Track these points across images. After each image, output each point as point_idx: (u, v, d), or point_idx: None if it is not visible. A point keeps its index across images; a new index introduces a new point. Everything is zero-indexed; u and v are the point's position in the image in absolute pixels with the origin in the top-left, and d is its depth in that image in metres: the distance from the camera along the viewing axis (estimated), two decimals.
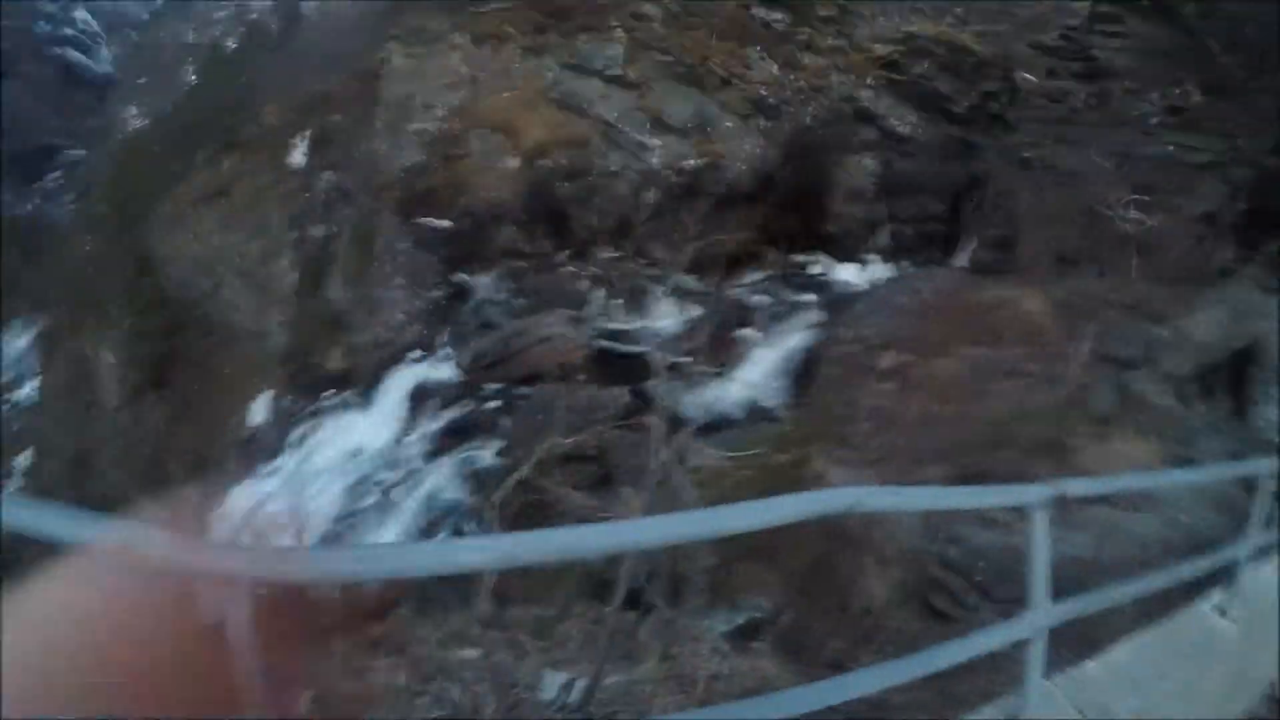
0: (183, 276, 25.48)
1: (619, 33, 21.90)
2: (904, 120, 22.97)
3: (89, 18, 75.38)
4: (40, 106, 69.32)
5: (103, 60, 71.59)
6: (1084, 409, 11.86)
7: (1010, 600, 7.59)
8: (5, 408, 50.58)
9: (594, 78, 21.50)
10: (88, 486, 26.93)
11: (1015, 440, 10.95)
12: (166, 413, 23.01)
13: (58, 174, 62.54)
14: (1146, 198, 18.14)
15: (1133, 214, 17.65)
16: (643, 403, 15.23)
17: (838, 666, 7.61)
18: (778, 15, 23.48)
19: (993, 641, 3.31)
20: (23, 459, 41.92)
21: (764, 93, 22.01)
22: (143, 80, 55.56)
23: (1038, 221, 19.78)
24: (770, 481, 11.28)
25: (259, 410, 19.33)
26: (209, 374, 22.73)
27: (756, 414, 15.99)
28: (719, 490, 10.40)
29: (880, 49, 24.39)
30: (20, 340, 52.62)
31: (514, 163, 20.42)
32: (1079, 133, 23.21)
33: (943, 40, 24.03)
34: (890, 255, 21.40)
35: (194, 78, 33.05)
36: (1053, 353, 13.06)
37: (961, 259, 20.68)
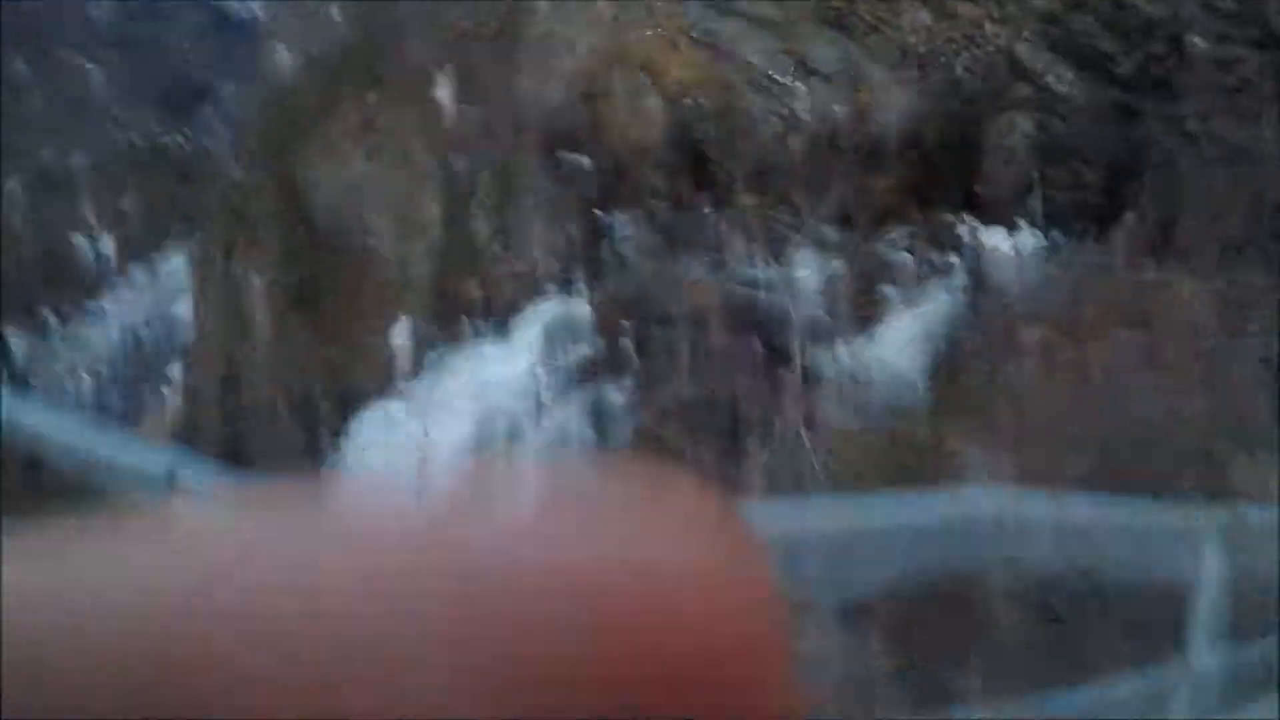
0: (329, 204, 26.50)
1: None
2: (1062, 79, 21.42)
3: None
4: (193, 47, 73.43)
5: (251, 3, 74.98)
6: (1239, 418, 11.07)
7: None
8: (159, 322, 54.89)
9: (737, 17, 20.93)
10: (236, 398, 28.70)
11: (1161, 443, 10.31)
12: (310, 332, 24.17)
13: (211, 108, 66.25)
14: None
15: None
16: (777, 355, 15.00)
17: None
18: None
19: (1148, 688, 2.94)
20: (174, 370, 45.20)
21: (914, 41, 20.89)
22: (292, 21, 57.81)
23: (1201, 201, 18.32)
24: (901, 456, 10.86)
25: (399, 334, 20.02)
26: (352, 297, 23.73)
27: (892, 377, 15.54)
28: (846, 459, 10.09)
29: (1040, 0, 22.91)
30: (176, 263, 56.79)
31: (655, 103, 20.17)
32: (1250, 105, 21.23)
33: None
34: (1041, 223, 20.27)
35: (338, 15, 34.13)
36: (1209, 350, 12.20)
37: (1116, 235, 19.44)
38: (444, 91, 25.70)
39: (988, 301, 15.69)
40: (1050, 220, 21.10)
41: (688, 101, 19.31)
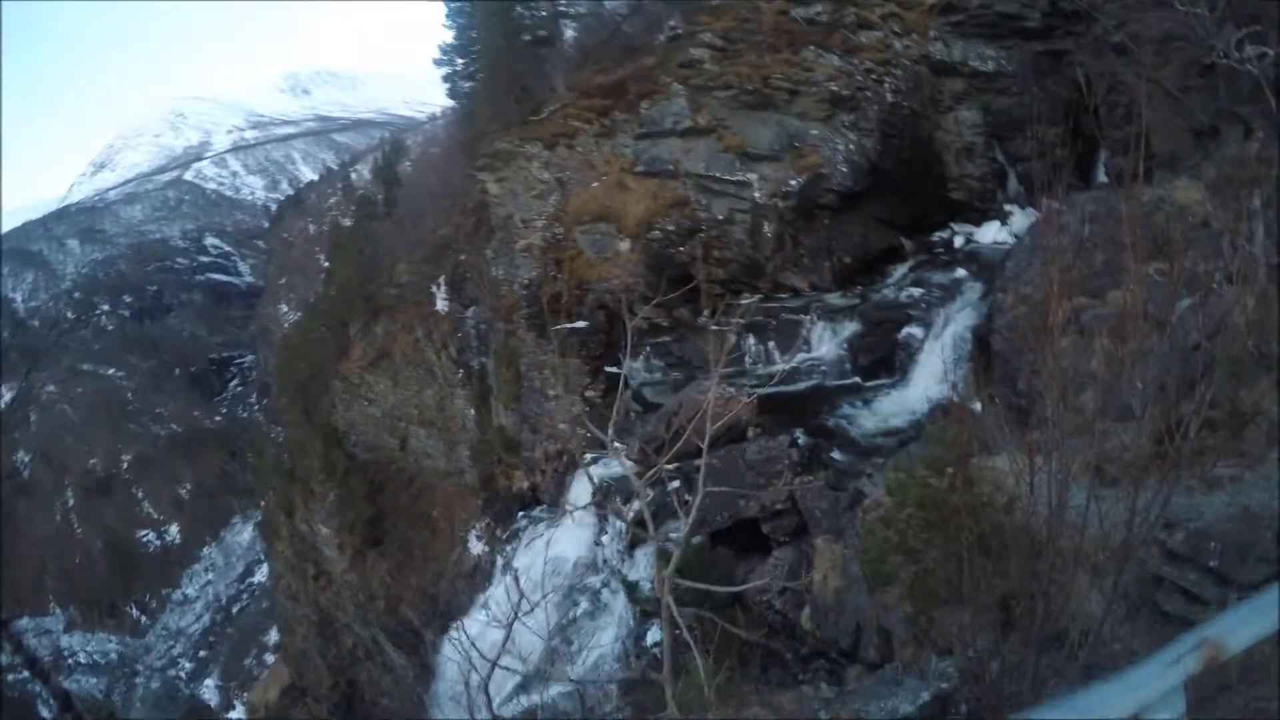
0: (370, 440, 27.22)
1: (675, 86, 21.94)
2: (984, 57, 21.60)
3: (217, 240, 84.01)
4: (203, 328, 77.73)
5: (243, 273, 79.62)
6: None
7: (1260, 581, 6.39)
8: (244, 594, 56.04)
9: (671, 136, 21.64)
10: (335, 646, 28.82)
11: (1221, 365, 9.50)
12: (389, 565, 24.44)
13: (236, 380, 69.45)
14: (1258, 28, 16.06)
15: (1249, 50, 15.59)
16: (816, 440, 14.79)
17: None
18: (817, 8, 22.83)
19: None
20: (272, 634, 45.74)
21: (835, 88, 21.39)
22: (283, 280, 60.70)
23: (1158, 99, 18.01)
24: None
25: (472, 542, 20.21)
26: (419, 520, 24.07)
27: (942, 413, 15.18)
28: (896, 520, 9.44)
29: None
30: (245, 532, 58.51)
31: (625, 244, 20.76)
32: None
33: None
34: (1026, 200, 20.09)
35: (326, 262, 35.96)
36: (1225, 240, 11.53)
37: (1100, 175, 19.14)
38: (442, 301, 26.49)
39: (1004, 298, 15.30)
40: (1033, 191, 20.81)
41: (654, 233, 19.81)
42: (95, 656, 56.84)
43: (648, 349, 19.01)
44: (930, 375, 15.93)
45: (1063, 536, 7.01)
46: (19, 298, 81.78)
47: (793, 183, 20.41)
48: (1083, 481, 7.15)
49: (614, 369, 18.81)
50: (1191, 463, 7.20)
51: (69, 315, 77.77)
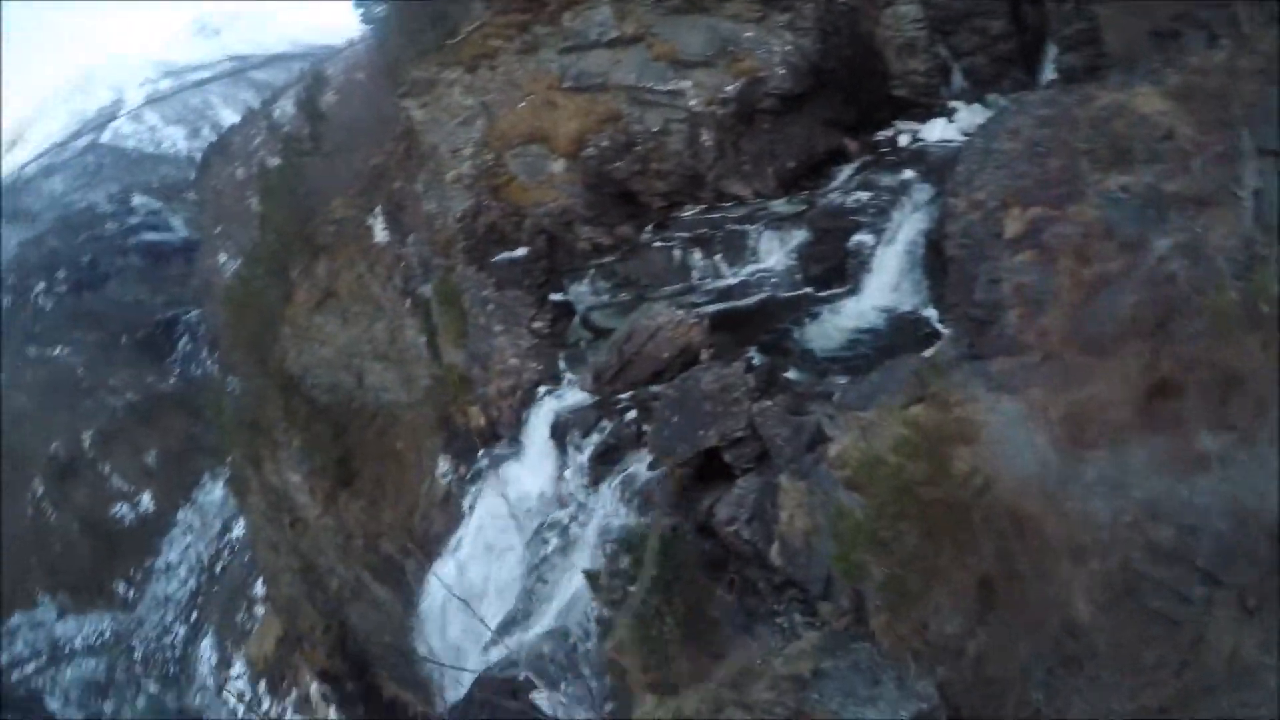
0: (326, 381, 26.87)
1: None
2: None
3: (145, 199, 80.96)
4: (144, 291, 75.62)
5: (176, 228, 77.06)
6: (1264, 225, 8.81)
7: (1251, 583, 5.82)
8: (225, 551, 56.72)
9: (596, 49, 20.77)
10: (323, 590, 29.13)
11: (1203, 301, 7.94)
12: (362, 504, 24.53)
13: (184, 339, 68.10)
14: None
15: None
16: (773, 359, 14.67)
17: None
18: None
19: None
20: (258, 587, 46.29)
21: None
22: (218, 230, 58.99)
23: None
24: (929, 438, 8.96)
25: (441, 472, 20.18)
26: (387, 456, 24.02)
27: (900, 323, 14.95)
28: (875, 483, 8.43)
29: None
30: (216, 491, 58.72)
31: (559, 165, 20.15)
32: None
33: None
34: (973, 95, 19.60)
35: (259, 206, 34.76)
36: (1196, 161, 10.61)
37: (1048, 73, 18.64)
38: (381, 232, 25.70)
39: (956, 203, 14.99)
40: (979, 87, 20.30)
41: (589, 150, 19.20)
42: (90, 639, 56.85)
43: (592, 271, 18.70)
44: (883, 284, 15.75)
45: (1045, 517, 6.51)
46: None
47: (729, 89, 19.79)
48: (1060, 443, 6.75)
49: (559, 296, 18.50)
50: (1174, 431, 6.67)
51: (4, 302, 74.94)
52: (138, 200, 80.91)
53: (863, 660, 7.38)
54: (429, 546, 21.12)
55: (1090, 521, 6.28)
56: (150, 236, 76.37)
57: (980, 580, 6.50)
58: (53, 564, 59.89)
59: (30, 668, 56.79)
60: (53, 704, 54.25)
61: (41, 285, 74.12)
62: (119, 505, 60.84)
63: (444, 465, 20.57)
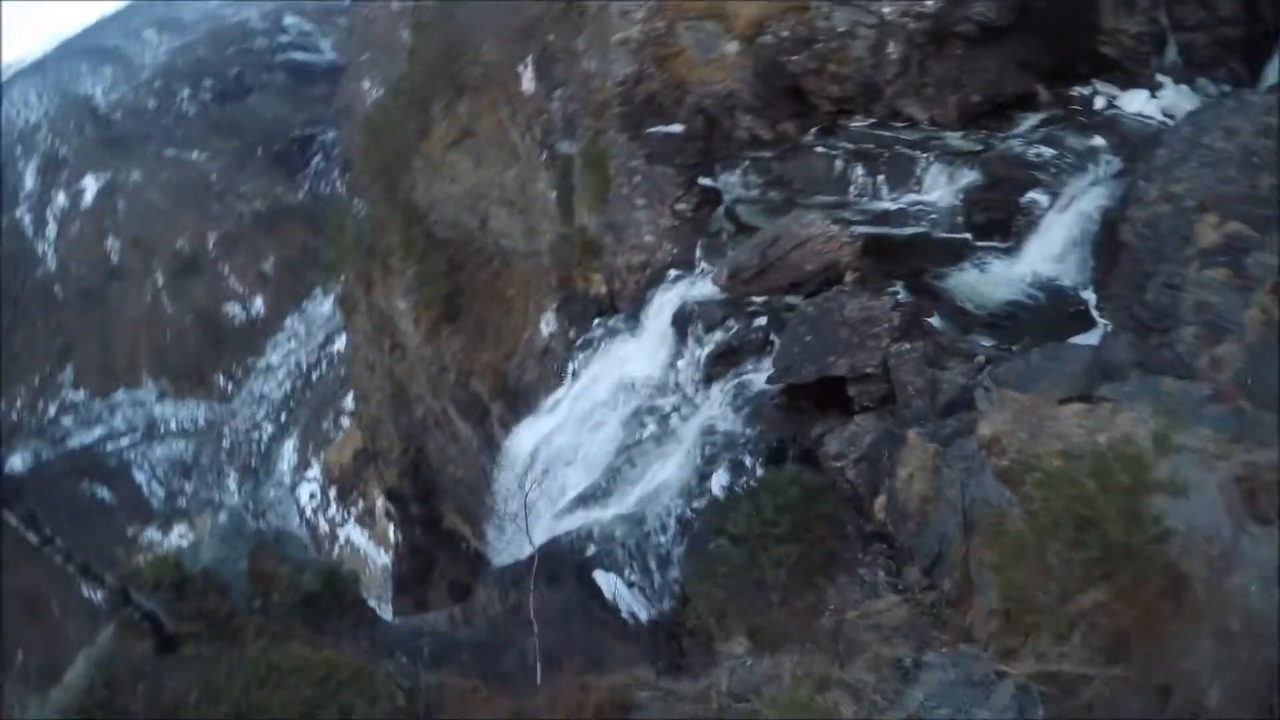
0: (449, 218, 27.12)
1: None
2: None
3: (296, 19, 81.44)
4: (285, 107, 77.23)
5: (324, 50, 77.59)
6: None
7: None
8: (323, 362, 59.76)
9: None
10: (409, 415, 30.22)
11: None
12: (463, 340, 25.07)
13: (318, 157, 69.70)
14: None
15: None
16: (921, 301, 13.91)
17: None
18: None
19: None
20: (348, 401, 48.51)
21: None
22: (365, 57, 59.15)
23: None
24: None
25: (547, 324, 20.30)
26: (495, 299, 24.36)
27: (1054, 297, 13.93)
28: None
29: None
30: (325, 304, 61.38)
31: (732, 46, 19.15)
32: None
33: None
34: (1183, 75, 17.69)
35: (409, 39, 34.59)
36: None
37: (1271, 75, 16.59)
38: (529, 82, 25.24)
39: (1148, 188, 13.59)
40: (1192, 68, 18.26)
41: (766, 37, 18.14)
42: (185, 423, 61.62)
43: (747, 162, 17.92)
44: (1046, 251, 14.58)
45: (1200, 586, 5.80)
46: (99, 93, 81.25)
47: (929, 3, 18.27)
48: (1232, 506, 6.03)
49: (708, 181, 17.85)
50: None
51: (150, 105, 77.69)
52: (289, 20, 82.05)
53: (975, 673, 6.69)
54: (520, 396, 21.48)
55: (1245, 607, 5.65)
56: (297, 56, 77.71)
57: (1118, 630, 6.00)
58: (162, 350, 64.55)
59: (125, 441, 62.24)
60: (139, 476, 59.70)
61: (187, 92, 76.92)
62: (232, 305, 64.71)
63: (550, 321, 20.69)
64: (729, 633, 8.94)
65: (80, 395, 65.07)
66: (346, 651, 9.44)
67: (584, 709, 6.83)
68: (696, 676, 8.05)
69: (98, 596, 8.95)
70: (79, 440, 62.31)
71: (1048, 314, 13.72)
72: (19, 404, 63.90)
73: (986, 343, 12.93)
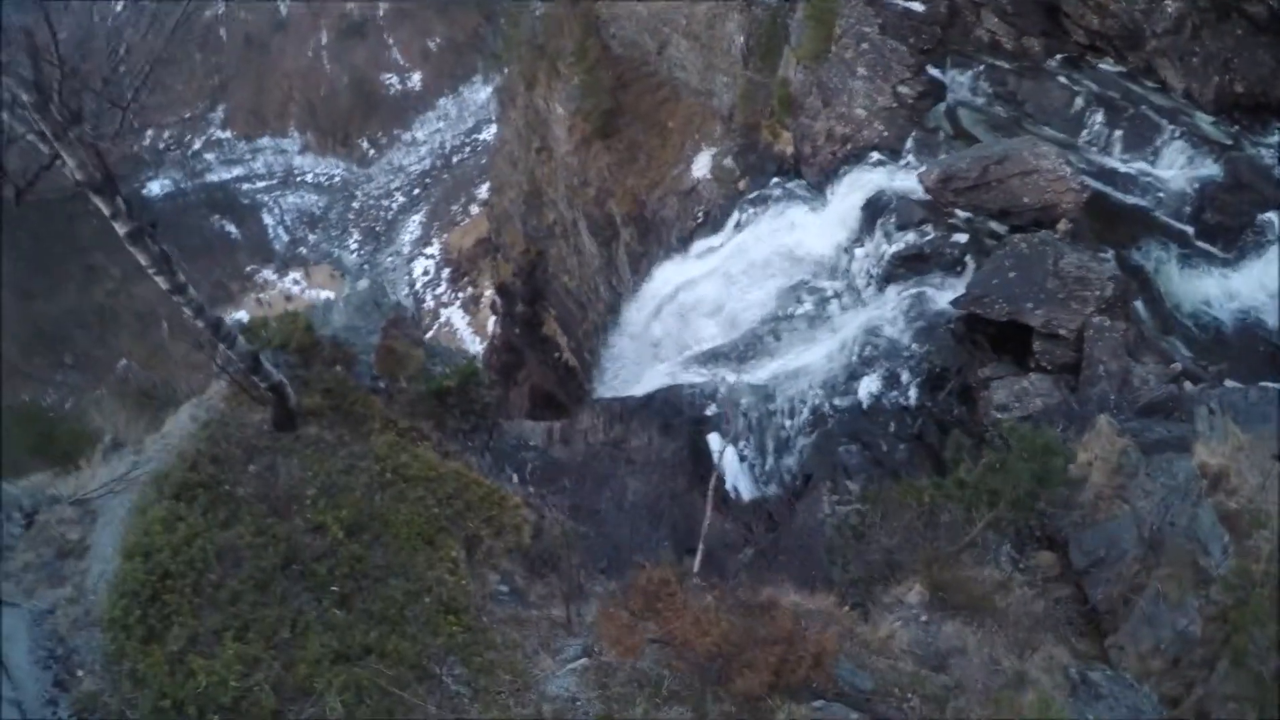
0: (630, 36, 26.27)
1: None
2: None
3: None
4: None
5: None
6: None
7: None
8: (467, 147, 60.07)
9: None
10: (538, 217, 30.34)
11: None
12: (611, 159, 24.84)
13: None
14: None
15: None
16: (1129, 278, 13.13)
17: None
18: None
19: None
20: (482, 190, 48.76)
21: None
22: None
23: None
24: None
25: (700, 165, 19.86)
26: (653, 127, 23.95)
27: (1257, 332, 13.11)
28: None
29: None
30: (482, 92, 60.99)
31: None
32: None
33: None
34: None
35: None
36: None
37: None
38: None
39: None
40: None
41: None
42: (321, 178, 64.31)
43: (983, 66, 16.76)
44: (1268, 276, 13.66)
45: None
46: None
47: None
48: None
49: (937, 72, 16.77)
50: None
51: None
52: None
53: (1143, 712, 6.63)
54: (653, 229, 21.31)
55: None
56: None
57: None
58: (313, 106, 66.43)
59: (260, 184, 65.60)
60: (267, 219, 63.06)
61: None
62: (390, 75, 65.49)
63: (704, 164, 20.25)
64: (899, 575, 8.39)
65: (227, 134, 68.19)
66: (473, 462, 9.07)
67: (802, 651, 6.45)
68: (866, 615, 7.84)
69: (217, 355, 7.74)
70: (218, 176, 65.56)
71: (1246, 345, 13.12)
72: (166, 135, 66.29)
73: (1185, 351, 12.41)
